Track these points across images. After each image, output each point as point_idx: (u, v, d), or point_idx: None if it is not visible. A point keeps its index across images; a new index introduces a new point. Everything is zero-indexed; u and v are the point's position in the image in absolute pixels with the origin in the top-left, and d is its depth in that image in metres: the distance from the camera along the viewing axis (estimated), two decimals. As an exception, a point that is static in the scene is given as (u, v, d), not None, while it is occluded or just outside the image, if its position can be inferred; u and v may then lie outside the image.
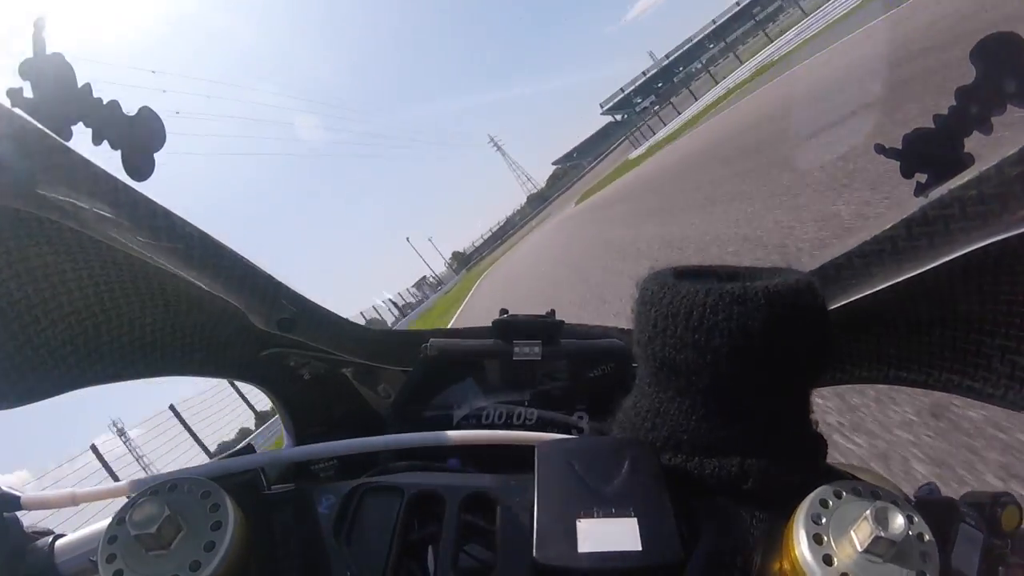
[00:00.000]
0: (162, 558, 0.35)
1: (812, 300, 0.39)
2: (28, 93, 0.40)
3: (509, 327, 0.76)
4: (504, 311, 0.78)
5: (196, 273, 0.52)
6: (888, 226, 0.44)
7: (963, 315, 0.49)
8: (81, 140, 0.42)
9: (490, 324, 0.77)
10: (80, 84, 0.41)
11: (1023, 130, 0.35)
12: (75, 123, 0.41)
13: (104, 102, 0.42)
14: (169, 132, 0.44)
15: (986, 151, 0.38)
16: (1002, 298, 0.45)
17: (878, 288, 0.47)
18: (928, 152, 0.41)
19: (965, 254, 0.41)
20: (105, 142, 0.42)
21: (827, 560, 0.34)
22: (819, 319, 0.39)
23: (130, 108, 0.43)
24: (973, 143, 0.40)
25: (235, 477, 0.45)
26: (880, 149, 0.44)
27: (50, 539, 0.44)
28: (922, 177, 0.42)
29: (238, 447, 0.49)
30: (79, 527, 0.45)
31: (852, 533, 0.34)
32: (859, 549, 0.33)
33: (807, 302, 0.38)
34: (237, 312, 0.62)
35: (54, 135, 0.40)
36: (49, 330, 0.51)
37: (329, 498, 0.43)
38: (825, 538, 0.35)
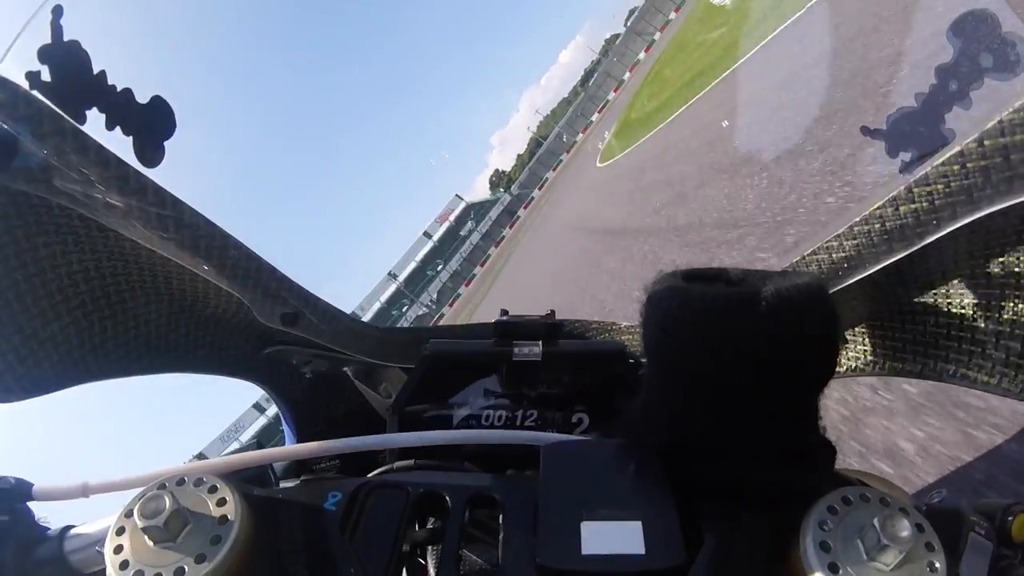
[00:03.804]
0: (168, 550, 0.35)
1: (822, 305, 0.39)
2: (46, 77, 0.40)
3: (509, 328, 0.76)
4: (504, 312, 0.79)
5: (202, 264, 0.51)
6: (875, 206, 0.44)
7: (956, 301, 0.49)
8: (95, 126, 0.42)
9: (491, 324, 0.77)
10: (96, 71, 0.41)
11: (1001, 102, 0.36)
12: (89, 108, 0.42)
13: (118, 89, 0.42)
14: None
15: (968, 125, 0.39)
16: (994, 281, 0.46)
17: (870, 271, 0.47)
18: (911, 130, 0.42)
19: (953, 232, 0.41)
20: (118, 128, 0.43)
21: (833, 568, 0.33)
22: (829, 324, 0.39)
23: (143, 96, 0.44)
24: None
25: (243, 472, 0.45)
26: (865, 131, 0.45)
27: (60, 530, 0.44)
28: (907, 156, 0.42)
29: (246, 444, 0.49)
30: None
31: (859, 541, 0.34)
32: (866, 557, 0.33)
33: (817, 307, 0.38)
34: (240, 308, 0.62)
35: (69, 118, 0.41)
36: (55, 324, 0.51)
37: (335, 495, 0.43)
38: (832, 545, 0.34)
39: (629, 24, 48.39)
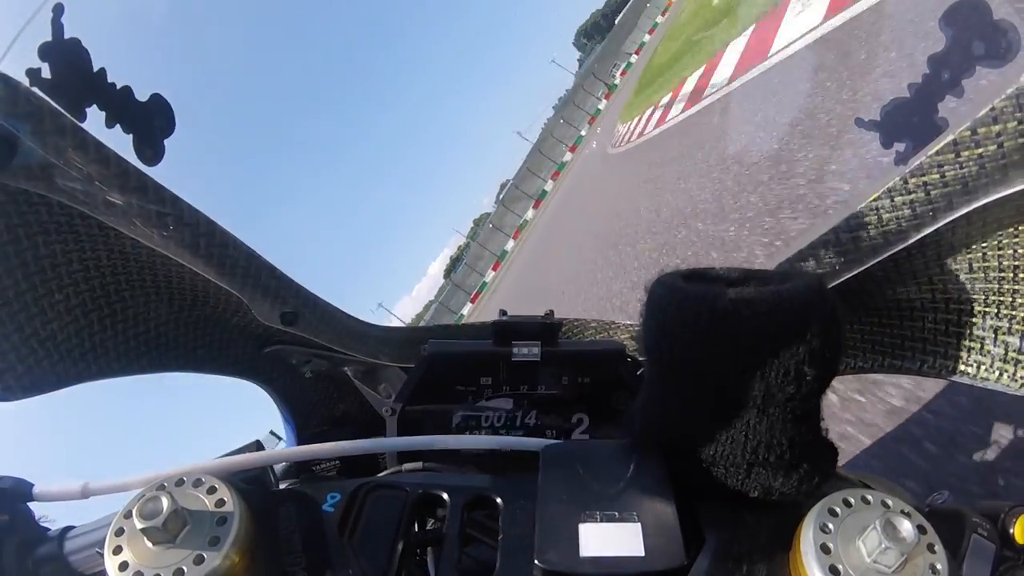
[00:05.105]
0: (167, 551, 0.34)
1: (823, 305, 0.38)
2: (46, 74, 0.40)
3: (508, 328, 0.76)
4: (503, 312, 0.79)
5: (201, 263, 0.51)
6: (871, 198, 0.44)
7: (954, 296, 0.49)
8: (95, 124, 0.42)
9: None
10: (96, 69, 0.41)
11: (992, 89, 0.36)
12: (89, 106, 0.42)
13: (118, 87, 0.43)
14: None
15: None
16: (991, 275, 0.46)
17: (867, 265, 0.47)
18: (905, 121, 0.42)
19: (950, 224, 0.42)
20: (118, 126, 0.43)
21: (834, 570, 0.33)
22: (829, 324, 0.39)
23: (142, 95, 0.44)
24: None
25: (242, 471, 0.45)
26: (860, 122, 0.45)
27: (59, 530, 0.44)
28: (901, 146, 0.42)
29: (246, 444, 0.49)
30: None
31: (860, 543, 0.34)
32: (867, 560, 0.33)
33: (818, 307, 0.38)
34: (240, 307, 0.62)
35: (69, 116, 0.41)
36: (55, 322, 0.51)
37: (334, 496, 0.43)
38: (832, 547, 0.34)
39: (502, 197, 39.88)
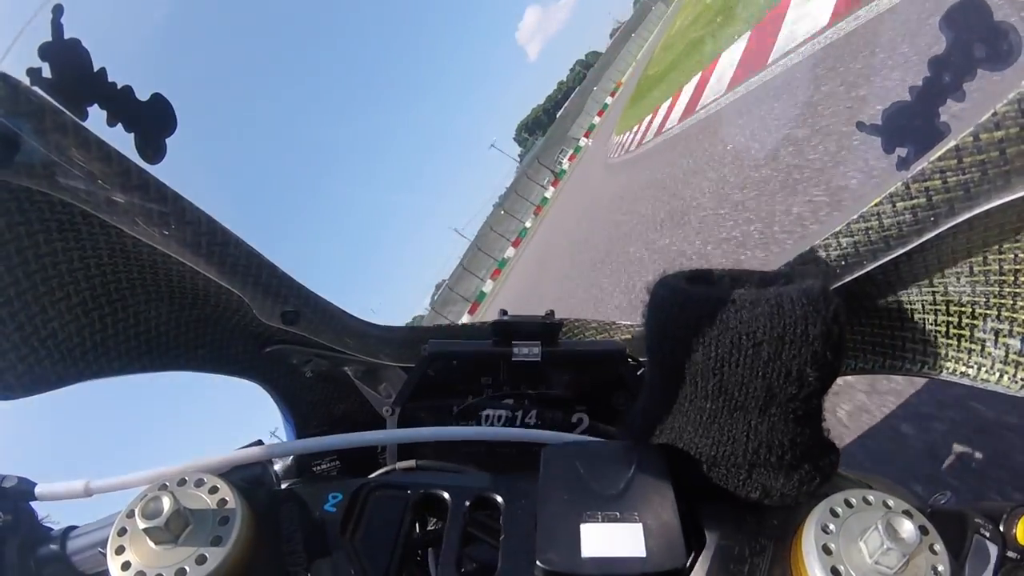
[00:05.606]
0: (170, 551, 0.35)
1: (825, 306, 0.38)
2: (46, 74, 0.40)
3: (508, 328, 0.75)
4: (503, 312, 0.79)
5: (203, 261, 0.51)
6: (873, 203, 0.44)
7: (955, 299, 0.49)
8: (97, 124, 0.42)
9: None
10: (96, 68, 0.41)
11: (994, 94, 0.36)
12: (90, 105, 0.42)
13: (118, 86, 0.43)
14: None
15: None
16: (992, 279, 0.46)
17: (868, 268, 0.47)
18: (907, 125, 0.42)
19: (951, 229, 0.41)
20: (119, 125, 0.43)
21: (835, 571, 0.33)
22: (831, 326, 0.39)
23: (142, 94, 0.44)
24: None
25: (244, 471, 0.45)
26: (861, 126, 0.45)
27: (62, 530, 0.44)
28: (903, 151, 0.42)
29: (247, 444, 0.49)
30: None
31: (862, 544, 0.34)
32: (869, 560, 0.33)
33: (820, 309, 0.38)
34: (240, 306, 0.62)
35: (70, 114, 0.41)
36: (55, 321, 0.51)
37: (335, 496, 0.43)
38: (834, 548, 0.34)
39: (436, 299, 37.08)
